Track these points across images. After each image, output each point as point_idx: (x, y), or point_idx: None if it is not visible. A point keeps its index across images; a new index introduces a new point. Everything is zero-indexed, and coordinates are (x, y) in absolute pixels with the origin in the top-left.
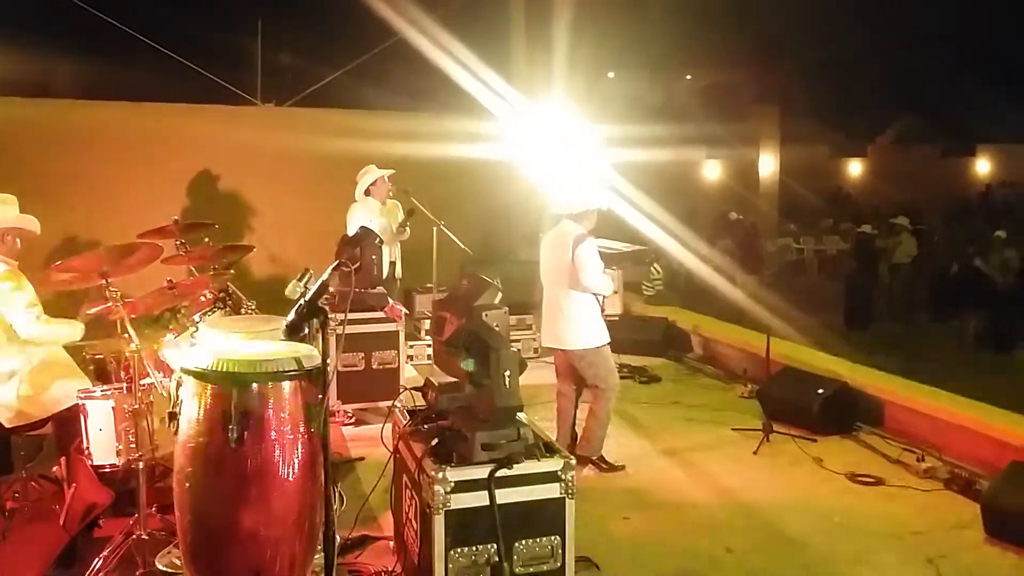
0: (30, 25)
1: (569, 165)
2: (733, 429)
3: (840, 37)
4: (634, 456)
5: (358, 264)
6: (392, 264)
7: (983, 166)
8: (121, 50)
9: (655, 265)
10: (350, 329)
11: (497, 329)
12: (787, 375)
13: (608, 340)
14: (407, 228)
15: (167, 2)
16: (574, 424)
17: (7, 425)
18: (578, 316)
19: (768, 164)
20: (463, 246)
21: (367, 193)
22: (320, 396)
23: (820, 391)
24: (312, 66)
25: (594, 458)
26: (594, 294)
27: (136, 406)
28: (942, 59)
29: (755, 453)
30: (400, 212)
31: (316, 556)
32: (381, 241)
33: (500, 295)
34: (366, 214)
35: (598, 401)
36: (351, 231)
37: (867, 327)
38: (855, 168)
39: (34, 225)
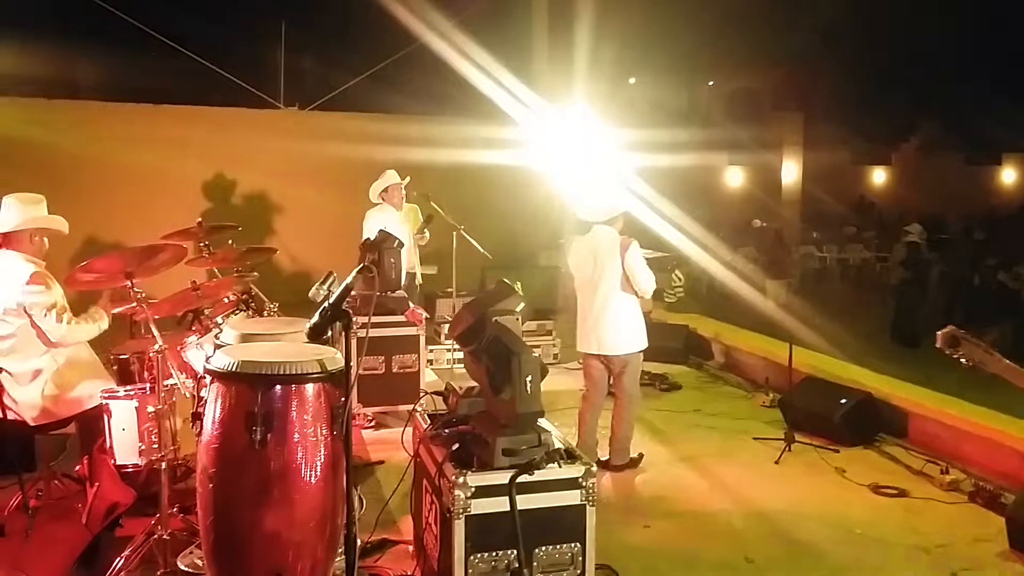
0: (55, 27)
1: (592, 170)
2: (754, 438)
3: (864, 43)
4: (654, 464)
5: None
6: (411, 270)
7: (1009, 175)
8: (145, 53)
9: (676, 272)
10: (371, 332)
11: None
12: (810, 384)
13: (647, 345)
14: (426, 233)
15: (191, 6)
16: (595, 431)
17: (31, 423)
18: (628, 320)
19: (791, 170)
20: (483, 251)
21: (381, 198)
22: (343, 399)
23: (843, 401)
24: (334, 71)
25: (625, 462)
26: (645, 296)
27: (159, 406)
28: (967, 67)
29: (776, 463)
30: (419, 217)
31: (336, 559)
32: (401, 244)
33: (523, 304)
34: (383, 219)
35: (627, 408)
36: (368, 235)
37: (918, 343)
38: (879, 176)
39: (62, 225)
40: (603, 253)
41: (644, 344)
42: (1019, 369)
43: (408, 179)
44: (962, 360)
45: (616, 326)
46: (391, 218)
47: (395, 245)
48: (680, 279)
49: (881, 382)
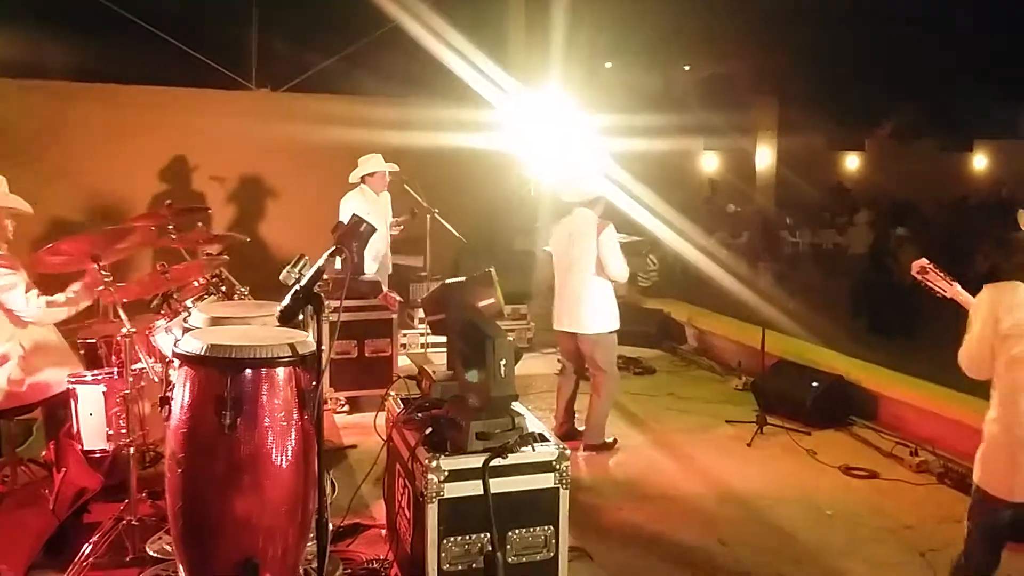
0: (20, 5)
1: (570, 154)
2: (727, 421)
3: (839, 28)
4: (628, 447)
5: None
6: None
7: (980, 162)
8: (114, 32)
9: (651, 256)
10: (343, 316)
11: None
12: (782, 368)
13: (618, 327)
14: (401, 227)
15: None
16: (572, 403)
17: None
18: (597, 301)
19: (765, 156)
20: (457, 234)
21: (362, 181)
22: (314, 383)
23: (815, 384)
24: (307, 52)
25: (596, 443)
26: (617, 280)
27: (127, 391)
28: (940, 53)
29: (749, 445)
30: (389, 207)
31: (308, 544)
32: (373, 230)
33: (492, 300)
34: (360, 204)
35: (602, 387)
36: (343, 218)
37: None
38: (852, 161)
39: (22, 205)
40: (580, 234)
41: (613, 326)
42: (968, 296)
43: (395, 167)
44: (928, 286)
45: (586, 305)
46: (370, 202)
47: (362, 229)
48: (654, 263)
49: (852, 366)
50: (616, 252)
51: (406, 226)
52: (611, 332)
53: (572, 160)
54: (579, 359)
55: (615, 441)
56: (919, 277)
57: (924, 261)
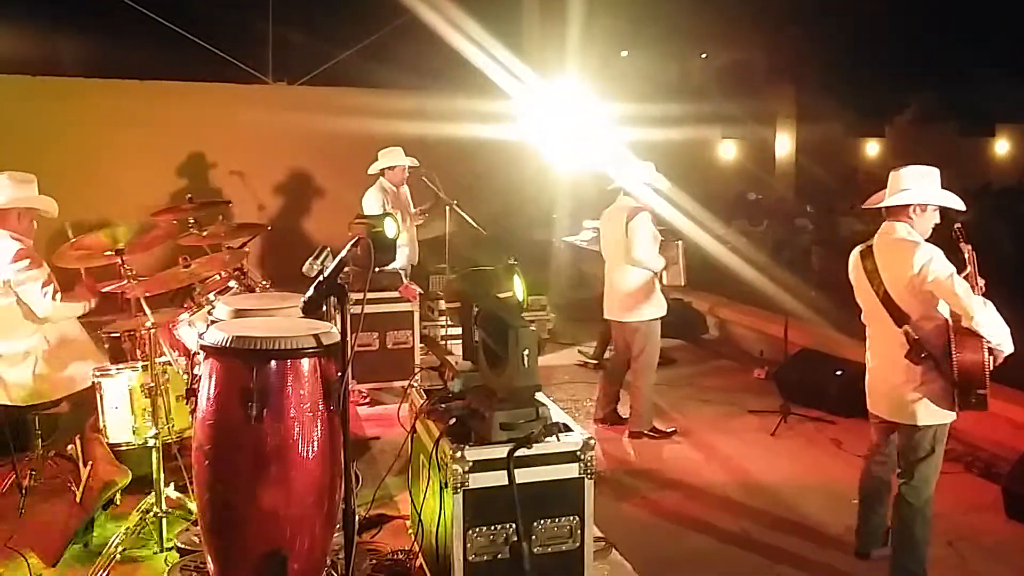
0: (35, 1)
1: (611, 142)
2: (750, 411)
3: (856, 14)
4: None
5: None
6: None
7: (1002, 146)
8: (130, 27)
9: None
10: (365, 309)
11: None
12: (804, 357)
13: (661, 315)
14: (424, 215)
15: None
16: (615, 389)
17: (22, 404)
18: (632, 289)
19: (784, 144)
20: (476, 225)
21: (382, 174)
22: (339, 373)
23: (838, 373)
24: (323, 44)
25: (647, 431)
26: (647, 268)
27: (151, 384)
28: (959, 37)
29: (772, 435)
30: (409, 200)
31: (335, 535)
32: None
33: (510, 292)
34: (382, 199)
35: (638, 377)
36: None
37: None
38: (872, 148)
39: (51, 206)
40: (616, 221)
41: (652, 315)
42: None
43: (415, 162)
44: None
45: (623, 295)
46: (390, 196)
47: (373, 232)
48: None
49: None
50: (640, 238)
51: (426, 216)
52: (649, 320)
53: (618, 148)
54: (627, 347)
55: (673, 431)
56: None
57: None
